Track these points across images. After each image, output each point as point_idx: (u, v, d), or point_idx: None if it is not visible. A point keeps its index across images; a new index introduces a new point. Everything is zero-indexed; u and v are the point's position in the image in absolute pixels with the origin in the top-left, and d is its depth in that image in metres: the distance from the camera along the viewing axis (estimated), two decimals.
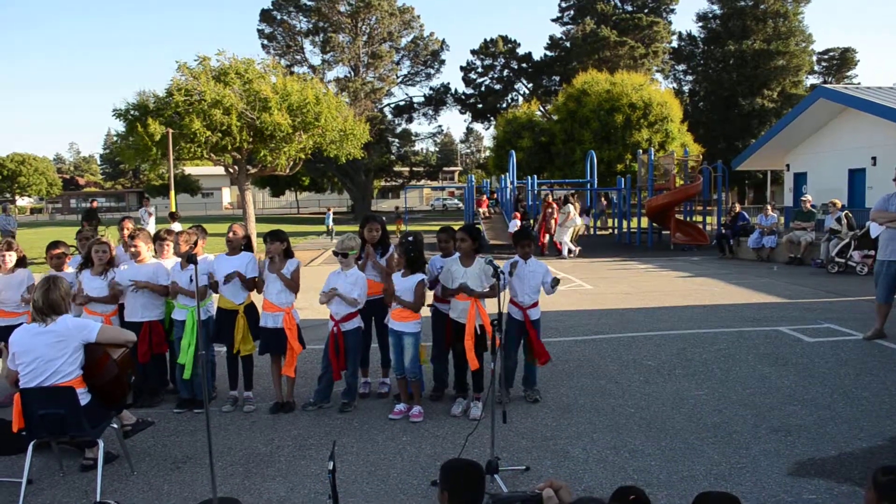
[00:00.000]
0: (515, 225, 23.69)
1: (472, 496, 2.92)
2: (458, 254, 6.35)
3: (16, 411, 4.75)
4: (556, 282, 6.36)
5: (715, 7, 54.50)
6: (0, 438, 5.50)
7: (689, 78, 58.91)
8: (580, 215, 27.81)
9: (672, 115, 37.49)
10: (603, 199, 32.84)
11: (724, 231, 20.66)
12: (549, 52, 57.24)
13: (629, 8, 56.58)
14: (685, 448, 5.41)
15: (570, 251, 20.97)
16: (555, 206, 21.91)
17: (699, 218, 25.77)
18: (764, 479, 4.81)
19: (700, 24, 55.95)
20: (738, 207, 21.28)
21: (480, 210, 28.28)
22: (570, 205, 21.52)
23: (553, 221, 21.64)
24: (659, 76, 56.57)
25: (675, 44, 56.86)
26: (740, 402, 6.48)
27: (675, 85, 58.30)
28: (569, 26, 57.97)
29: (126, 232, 7.53)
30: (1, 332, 6.58)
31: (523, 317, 6.45)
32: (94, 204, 21.02)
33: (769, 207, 20.20)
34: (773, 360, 7.94)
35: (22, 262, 7.03)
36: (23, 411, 4.70)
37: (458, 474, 2.97)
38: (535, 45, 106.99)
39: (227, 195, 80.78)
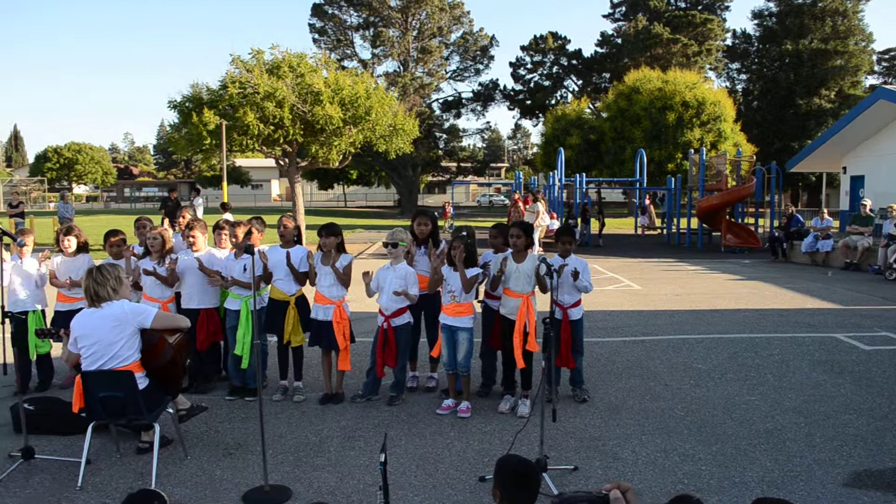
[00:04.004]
0: (554, 224, 23.49)
1: (527, 495, 2.91)
2: (510, 250, 6.33)
3: (77, 393, 4.91)
4: (576, 274, 6.26)
5: (771, 4, 53.42)
6: (62, 419, 5.70)
7: (743, 77, 57.80)
8: (641, 214, 27.45)
9: (725, 114, 36.88)
10: (647, 198, 32.41)
11: (777, 234, 20.23)
12: (599, 49, 56.66)
13: (683, 5, 55.68)
14: (737, 454, 5.33)
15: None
16: (521, 204, 21.36)
17: (751, 220, 25.28)
18: (818, 488, 4.72)
19: (755, 21, 54.90)
20: (792, 210, 20.81)
21: (527, 207, 28.10)
22: (538, 203, 20.98)
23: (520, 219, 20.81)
24: (712, 74, 55.66)
25: (729, 42, 55.82)
26: (794, 409, 6.36)
27: (728, 84, 57.25)
28: (620, 23, 57.33)
29: (183, 221, 7.70)
30: (62, 317, 6.78)
31: (563, 316, 6.40)
32: (174, 195, 21.38)
33: (825, 211, 19.72)
34: (828, 367, 7.77)
35: (84, 248, 7.22)
36: (83, 393, 4.85)
37: (514, 472, 2.96)
38: (585, 42, 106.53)
39: (276, 187, 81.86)
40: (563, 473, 4.94)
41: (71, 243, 7.09)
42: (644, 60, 46.72)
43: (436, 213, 7.30)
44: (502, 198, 66.70)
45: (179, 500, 4.53)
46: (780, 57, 51.57)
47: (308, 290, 6.72)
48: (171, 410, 5.37)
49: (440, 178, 65.49)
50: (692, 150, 27.80)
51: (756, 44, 55.18)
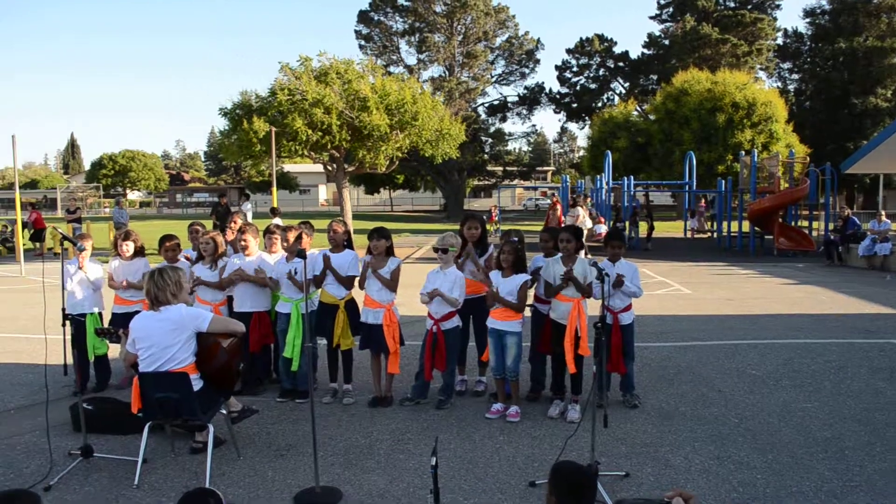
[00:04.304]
0: (601, 228, 23.25)
1: (583, 503, 2.87)
2: (559, 254, 6.29)
3: (135, 394, 5.04)
4: (619, 282, 6.19)
5: (824, 2, 52.09)
6: (119, 419, 5.83)
7: (796, 76, 56.46)
8: (690, 217, 26.87)
9: (777, 114, 36.08)
10: (703, 202, 31.92)
11: (832, 237, 19.72)
12: (646, 51, 55.98)
13: (732, 4, 54.62)
14: (793, 462, 5.20)
15: None
16: (559, 207, 21.06)
17: (805, 223, 24.67)
18: (880, 499, 4.58)
19: (808, 20, 53.58)
20: (848, 212, 20.27)
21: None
22: (578, 207, 20.68)
23: (558, 224, 20.53)
24: (763, 75, 54.48)
25: (780, 41, 54.59)
26: (853, 417, 6.18)
27: (779, 84, 55.99)
28: (668, 24, 56.55)
29: (235, 226, 7.84)
30: (119, 319, 6.95)
31: (613, 321, 6.33)
32: (224, 201, 21.80)
33: (883, 213, 19.16)
34: (888, 374, 7.54)
35: (141, 252, 7.42)
36: (140, 394, 4.97)
37: (569, 479, 2.92)
38: (632, 44, 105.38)
39: (324, 192, 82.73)
40: (615, 480, 4.88)
41: (129, 247, 7.29)
42: (692, 61, 45.98)
43: (483, 218, 7.28)
44: (548, 201, 66.35)
45: (233, 500, 4.60)
46: (834, 55, 50.23)
47: (357, 294, 6.77)
48: (223, 412, 5.45)
49: (486, 183, 65.45)
50: (743, 152, 27.27)
51: (808, 42, 53.87)
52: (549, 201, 39.16)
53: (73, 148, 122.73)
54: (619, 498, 1.85)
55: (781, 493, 4.68)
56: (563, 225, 19.88)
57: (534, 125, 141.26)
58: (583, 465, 3.13)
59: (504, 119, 59.53)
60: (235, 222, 8.28)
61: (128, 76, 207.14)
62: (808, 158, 27.98)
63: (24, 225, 22.46)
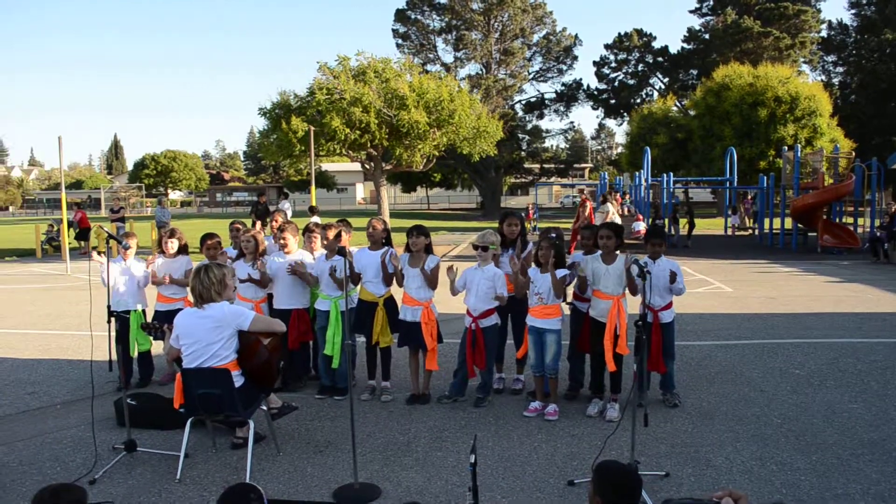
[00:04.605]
0: (640, 226, 23.00)
1: (629, 503, 2.84)
2: (600, 251, 6.24)
3: (177, 389, 5.13)
4: (672, 277, 6.12)
5: None
6: (162, 414, 5.94)
7: (840, 69, 55.11)
8: (732, 214, 26.44)
9: (821, 109, 35.34)
10: (749, 199, 31.35)
11: (878, 233, 19.25)
12: (686, 45, 55.17)
13: None
14: (839, 464, 5.09)
15: None
16: (589, 204, 20.73)
17: (850, 219, 24.13)
18: None
19: (853, 11, 52.26)
20: (895, 208, 19.76)
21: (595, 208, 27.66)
22: (608, 204, 20.37)
23: (589, 222, 20.17)
24: (806, 68, 53.31)
25: (824, 33, 53.36)
26: None
27: (824, 77, 54.69)
28: (708, 17, 55.63)
29: (275, 224, 7.93)
30: (161, 317, 7.07)
31: (653, 319, 6.25)
32: (263, 199, 22.02)
33: None
34: None
35: (184, 250, 7.55)
36: (183, 390, 5.05)
37: (616, 479, 2.89)
38: (671, 38, 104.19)
39: (361, 190, 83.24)
40: (655, 479, 4.83)
41: (174, 245, 7.43)
42: (733, 55, 45.23)
43: (523, 215, 7.25)
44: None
45: (273, 495, 4.66)
46: (880, 47, 48.94)
47: (396, 291, 6.80)
48: (264, 408, 5.52)
49: (523, 180, 65.19)
50: (786, 147, 26.75)
51: (854, 34, 52.58)
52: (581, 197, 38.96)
53: (116, 148, 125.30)
54: (665, 497, 1.82)
55: (827, 496, 4.59)
56: (594, 223, 19.61)
57: (571, 122, 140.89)
58: (628, 465, 3.08)
59: (541, 116, 59.26)
60: (276, 220, 8.38)
61: (169, 76, 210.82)
62: (854, 153, 27.41)
63: (70, 224, 23.00)
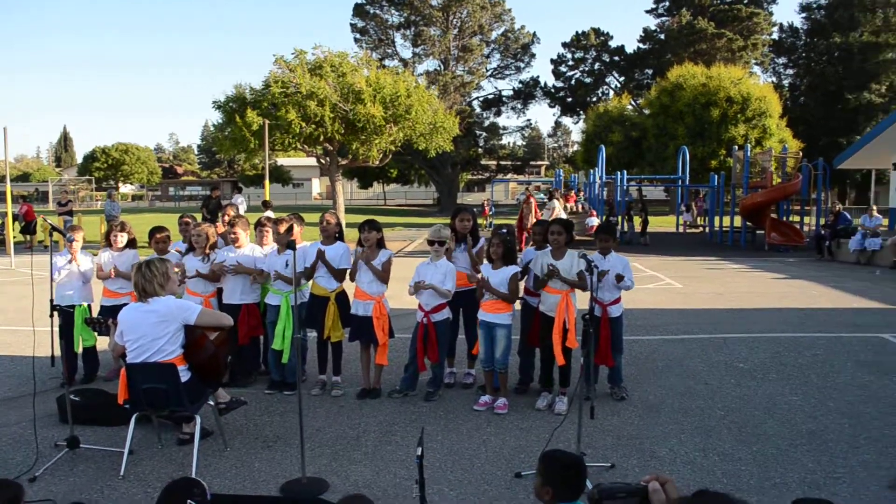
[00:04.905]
0: (594, 221, 23.29)
1: (578, 487, 2.90)
2: (549, 247, 6.30)
3: (122, 385, 5.05)
4: (620, 278, 6.23)
5: None
6: (106, 410, 5.84)
7: (790, 71, 56.51)
8: (686, 211, 26.83)
9: (771, 110, 36.19)
10: (701, 195, 31.90)
11: (823, 232, 19.80)
12: (642, 45, 55.94)
13: None
14: (778, 454, 5.24)
15: None
16: (533, 201, 20.88)
17: (796, 218, 24.78)
18: (862, 491, 4.61)
19: (803, 14, 53.62)
20: (839, 207, 20.36)
21: (568, 205, 27.99)
22: (554, 200, 20.63)
23: (532, 218, 20.05)
24: (758, 69, 54.49)
25: (775, 36, 54.62)
26: (838, 410, 6.22)
27: (774, 79, 56.00)
28: (664, 18, 56.46)
29: (226, 219, 7.83)
30: (107, 312, 6.93)
31: (602, 313, 6.34)
32: (215, 193, 21.70)
33: (874, 208, 19.24)
34: (874, 368, 7.58)
35: (132, 244, 7.41)
36: (127, 385, 4.97)
37: (565, 465, 2.94)
38: (628, 38, 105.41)
39: (317, 185, 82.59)
40: (600, 471, 4.91)
41: (122, 239, 7.28)
42: (688, 56, 46.02)
43: (475, 211, 7.29)
44: (542, 196, 66.40)
45: (219, 490, 4.61)
46: (829, 50, 50.32)
47: (348, 286, 6.78)
48: (211, 403, 5.46)
49: (480, 177, 65.48)
50: (736, 147, 27.32)
51: (804, 37, 53.93)
52: (542, 196, 39.45)
53: (65, 141, 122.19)
54: (597, 482, 1.87)
55: (766, 485, 4.72)
56: (539, 219, 19.55)
57: (528, 119, 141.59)
58: (574, 453, 3.15)
59: (499, 113, 59.55)
60: (228, 214, 8.28)
61: (122, 69, 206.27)
62: (801, 154, 28.11)
63: (15, 217, 22.40)
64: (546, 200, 21.17)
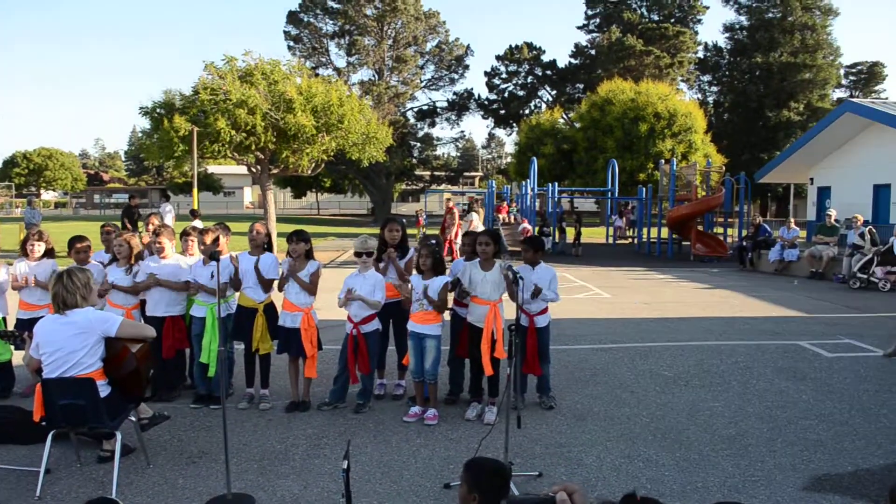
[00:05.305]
0: (526, 227, 23.57)
1: (504, 491, 2.91)
2: (478, 258, 6.35)
3: (37, 401, 4.83)
4: (537, 292, 6.27)
5: (742, 18, 54.34)
6: (21, 428, 5.61)
7: (714, 89, 58.68)
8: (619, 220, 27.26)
9: (696, 125, 37.38)
10: (629, 207, 32.60)
11: (745, 243, 20.51)
12: (573, 60, 57.22)
13: (656, 17, 56.40)
14: (699, 459, 5.39)
15: None
16: (456, 212, 21.18)
17: (720, 230, 25.61)
18: (778, 492, 4.78)
19: (727, 35, 55.75)
20: (759, 220, 21.12)
21: (500, 216, 28.26)
22: (473, 213, 20.98)
23: (454, 229, 20.19)
24: (684, 86, 56.39)
25: (700, 54, 56.60)
26: (757, 414, 6.45)
27: (699, 96, 58.05)
28: (594, 34, 57.90)
29: (151, 227, 7.64)
30: (24, 325, 6.66)
31: (529, 323, 6.42)
32: (134, 201, 21.08)
33: (792, 221, 20.05)
34: (791, 373, 7.88)
35: (50, 254, 7.14)
36: (44, 401, 4.78)
37: (490, 471, 2.95)
38: (560, 53, 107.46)
39: (249, 194, 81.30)
40: (528, 480, 4.96)
41: (39, 248, 7.01)
42: (617, 72, 47.19)
43: (405, 221, 7.30)
44: (463, 205, 66.93)
45: None
46: (751, 70, 52.43)
47: (277, 298, 6.69)
48: (133, 419, 5.30)
49: (414, 187, 65.61)
50: (663, 161, 28.09)
51: (727, 57, 56.05)
52: (463, 205, 39.58)
53: None
54: (509, 496, 1.89)
55: (688, 489, 4.85)
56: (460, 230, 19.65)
57: (462, 131, 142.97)
58: (499, 460, 3.16)
59: (433, 124, 59.97)
60: (153, 223, 8.07)
61: (46, 73, 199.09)
62: (724, 168, 29.09)
63: None
64: (465, 212, 21.20)
